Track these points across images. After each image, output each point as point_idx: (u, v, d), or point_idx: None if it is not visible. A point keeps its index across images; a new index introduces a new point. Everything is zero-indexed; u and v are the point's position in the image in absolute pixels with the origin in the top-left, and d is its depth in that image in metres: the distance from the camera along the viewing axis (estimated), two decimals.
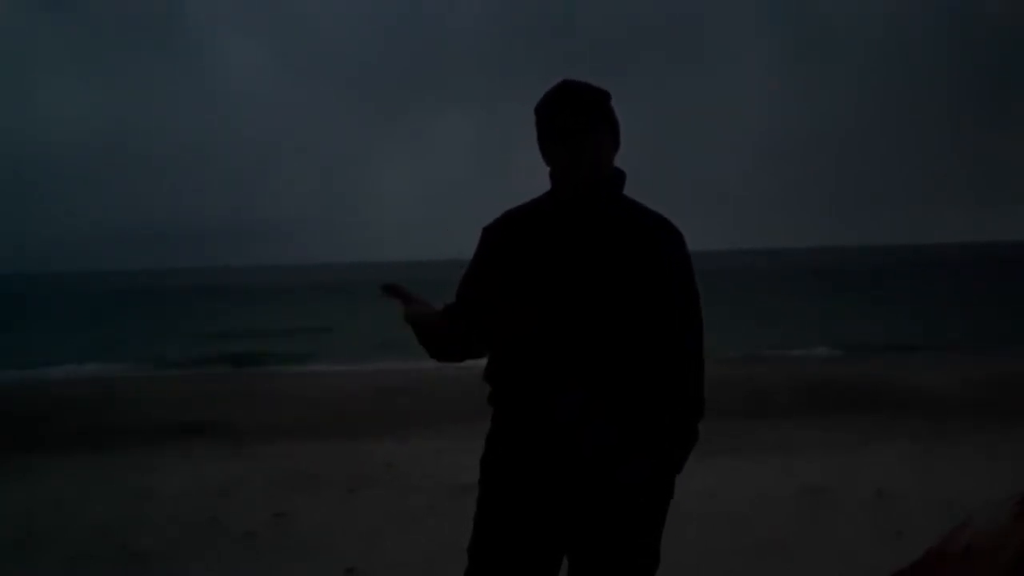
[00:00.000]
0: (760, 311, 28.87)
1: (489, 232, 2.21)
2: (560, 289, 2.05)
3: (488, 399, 2.16)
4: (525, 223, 2.15)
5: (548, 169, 2.17)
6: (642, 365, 2.05)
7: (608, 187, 2.13)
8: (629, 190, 2.16)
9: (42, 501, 5.65)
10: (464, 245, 2.39)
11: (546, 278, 2.07)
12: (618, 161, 2.15)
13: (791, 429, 7.92)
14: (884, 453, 6.55)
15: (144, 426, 9.15)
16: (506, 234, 2.16)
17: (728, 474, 5.92)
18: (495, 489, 2.11)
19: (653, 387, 2.06)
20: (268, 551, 4.56)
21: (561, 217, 2.12)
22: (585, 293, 2.04)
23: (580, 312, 2.04)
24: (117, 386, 13.93)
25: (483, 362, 2.19)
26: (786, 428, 7.99)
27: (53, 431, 9.01)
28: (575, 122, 2.08)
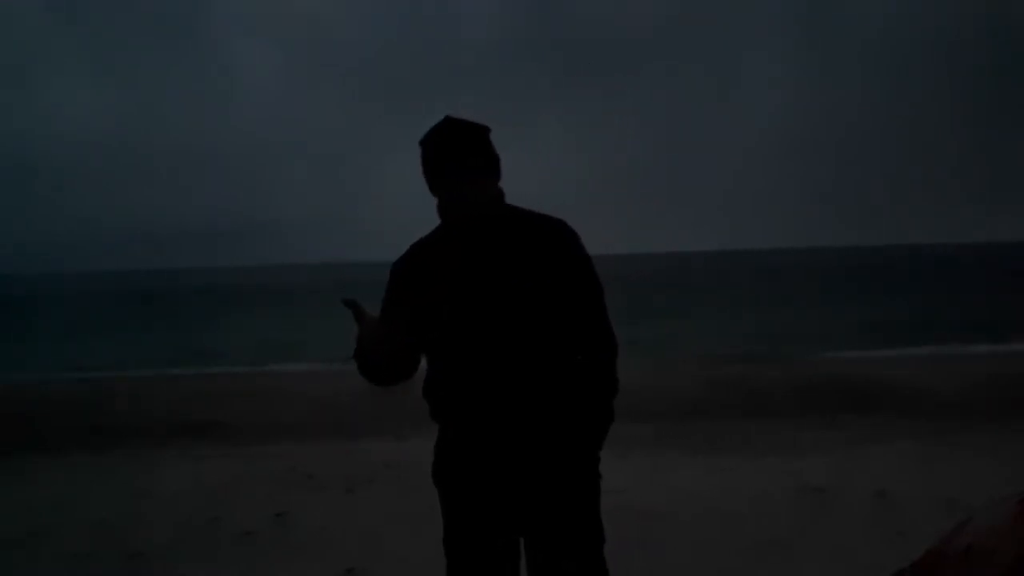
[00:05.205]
0: (760, 311, 28.88)
1: (398, 268, 2.36)
2: (477, 298, 2.23)
3: (431, 415, 2.36)
4: (431, 249, 2.33)
5: (436, 201, 2.34)
6: (562, 355, 2.24)
7: (493, 204, 2.32)
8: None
9: (42, 501, 5.65)
10: None
11: (462, 291, 2.24)
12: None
13: (790, 429, 7.91)
14: (884, 453, 6.54)
15: (144, 426, 9.14)
16: (415, 263, 2.33)
17: (728, 474, 5.92)
18: (452, 490, 2.35)
19: (575, 374, 2.26)
20: (268, 551, 4.56)
21: (460, 235, 2.30)
22: (500, 297, 2.22)
23: (499, 316, 2.21)
24: (117, 386, 13.92)
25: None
26: (785, 428, 7.98)
27: (53, 431, 8.99)
28: (460, 161, 2.29)
